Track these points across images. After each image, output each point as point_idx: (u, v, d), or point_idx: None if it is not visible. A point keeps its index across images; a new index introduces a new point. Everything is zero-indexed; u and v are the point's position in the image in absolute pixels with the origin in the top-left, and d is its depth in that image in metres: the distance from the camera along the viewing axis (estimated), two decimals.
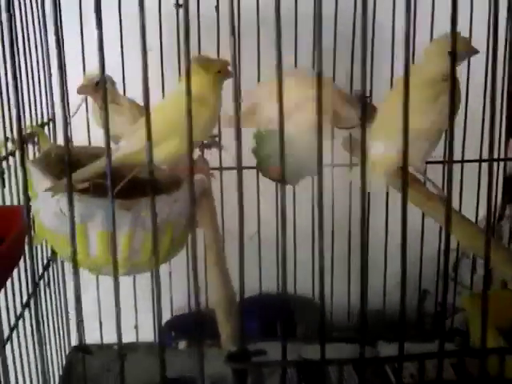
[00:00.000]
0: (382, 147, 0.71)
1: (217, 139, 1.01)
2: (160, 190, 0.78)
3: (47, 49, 0.89)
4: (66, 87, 0.93)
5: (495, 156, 1.13)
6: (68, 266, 1.05)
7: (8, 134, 0.80)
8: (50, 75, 0.93)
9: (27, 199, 0.51)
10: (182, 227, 0.77)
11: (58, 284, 1.04)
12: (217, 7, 1.00)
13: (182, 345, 1.11)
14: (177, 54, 0.95)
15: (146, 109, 0.48)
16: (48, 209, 0.74)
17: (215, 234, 0.74)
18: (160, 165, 0.79)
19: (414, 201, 0.73)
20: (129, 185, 0.79)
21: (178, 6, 0.96)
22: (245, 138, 0.51)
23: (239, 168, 0.48)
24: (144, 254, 0.76)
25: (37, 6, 0.92)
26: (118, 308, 0.51)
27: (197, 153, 0.98)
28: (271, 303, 1.17)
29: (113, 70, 0.89)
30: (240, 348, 0.48)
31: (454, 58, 0.47)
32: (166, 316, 1.15)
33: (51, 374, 1.01)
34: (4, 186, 0.76)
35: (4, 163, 0.79)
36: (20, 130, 0.50)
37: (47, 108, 0.96)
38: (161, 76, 1.00)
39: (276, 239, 0.96)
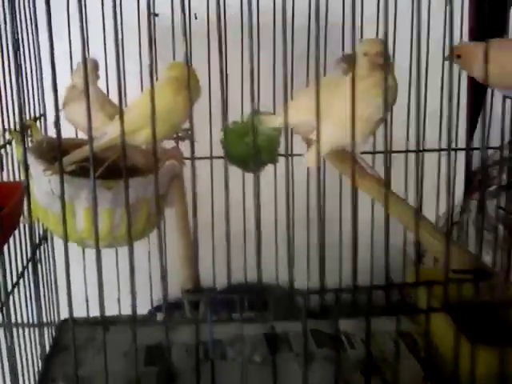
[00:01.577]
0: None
1: (189, 132, 1.14)
2: (138, 173, 0.91)
3: (38, 46, 1.01)
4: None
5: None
6: (57, 245, 1.17)
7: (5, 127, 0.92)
8: (41, 73, 1.05)
9: (27, 174, 0.64)
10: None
11: (49, 262, 1.16)
12: (195, 15, 1.13)
13: (160, 316, 1.23)
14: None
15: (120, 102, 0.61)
16: (41, 188, 0.86)
17: (184, 209, 0.87)
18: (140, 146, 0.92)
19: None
20: (111, 168, 0.92)
21: (154, 15, 1.09)
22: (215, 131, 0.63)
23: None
24: (123, 228, 0.89)
25: (28, 3, 1.01)
26: (101, 280, 0.63)
27: (171, 143, 1.11)
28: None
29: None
30: (194, 286, 0.61)
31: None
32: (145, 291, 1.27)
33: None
34: (2, 169, 0.88)
35: (2, 151, 0.91)
36: (21, 118, 0.62)
37: (39, 104, 1.09)
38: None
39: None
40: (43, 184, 0.84)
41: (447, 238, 0.62)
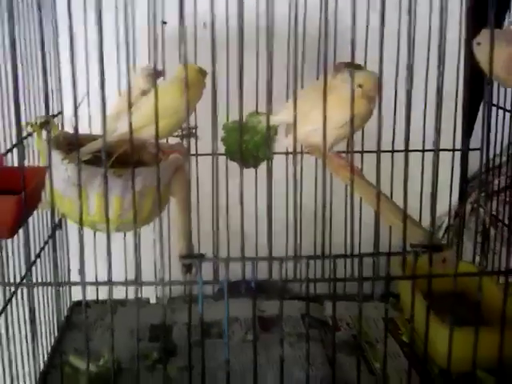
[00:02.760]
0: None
1: (193, 131, 1.24)
2: (145, 165, 1.02)
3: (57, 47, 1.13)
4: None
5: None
6: (70, 232, 1.28)
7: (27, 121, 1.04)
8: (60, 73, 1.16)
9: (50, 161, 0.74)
10: (161, 192, 1.01)
11: (62, 248, 1.27)
12: (204, 24, 1.23)
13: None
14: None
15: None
16: (58, 176, 0.97)
17: (184, 194, 0.98)
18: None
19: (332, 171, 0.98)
20: (121, 160, 1.02)
21: (163, 23, 1.20)
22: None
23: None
24: (131, 213, 0.99)
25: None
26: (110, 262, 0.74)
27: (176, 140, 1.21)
28: None
29: None
30: (188, 252, 0.72)
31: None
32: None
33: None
34: (24, 158, 0.99)
35: (24, 142, 1.02)
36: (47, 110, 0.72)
37: (57, 102, 1.20)
38: None
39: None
40: (60, 171, 0.95)
41: (405, 216, 0.72)
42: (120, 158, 1.03)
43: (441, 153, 0.78)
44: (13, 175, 0.74)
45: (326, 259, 0.73)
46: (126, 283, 0.80)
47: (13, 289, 0.83)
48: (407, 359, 1.13)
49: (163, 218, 0.83)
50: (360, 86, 0.96)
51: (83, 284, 0.77)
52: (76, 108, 0.76)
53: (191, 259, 0.75)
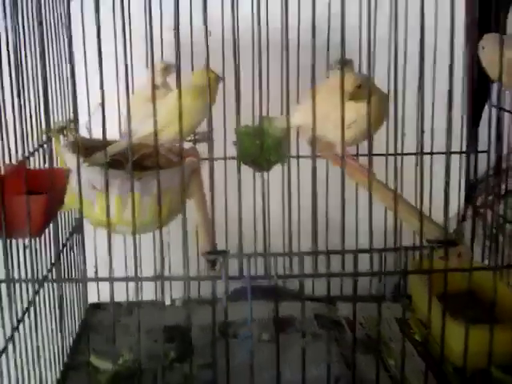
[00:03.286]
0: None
1: (207, 134, 1.27)
2: (160, 168, 1.05)
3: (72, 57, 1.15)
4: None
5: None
6: (87, 233, 1.31)
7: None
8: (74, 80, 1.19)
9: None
10: (178, 195, 1.03)
11: (78, 250, 1.29)
12: (210, 32, 1.26)
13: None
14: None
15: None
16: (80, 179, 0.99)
17: (202, 194, 1.01)
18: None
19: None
20: (139, 164, 1.05)
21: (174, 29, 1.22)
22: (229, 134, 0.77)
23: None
24: (150, 215, 1.01)
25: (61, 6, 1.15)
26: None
27: (189, 144, 1.23)
28: None
29: None
30: (212, 249, 0.74)
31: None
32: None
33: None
34: (45, 161, 1.01)
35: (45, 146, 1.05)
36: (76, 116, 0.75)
37: (73, 109, 1.23)
38: None
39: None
40: (81, 175, 0.97)
41: (421, 214, 0.75)
42: (136, 162, 1.06)
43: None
44: (37, 177, 0.76)
45: (347, 254, 0.75)
46: (154, 278, 0.81)
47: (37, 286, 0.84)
48: (421, 358, 1.14)
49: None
50: (359, 86, 0.98)
51: (111, 280, 0.79)
52: (90, 114, 0.78)
53: (215, 255, 0.77)
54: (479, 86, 1.20)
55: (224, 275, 0.77)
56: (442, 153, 1.22)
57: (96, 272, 1.22)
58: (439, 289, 0.86)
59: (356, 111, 0.91)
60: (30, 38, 0.95)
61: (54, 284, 1.02)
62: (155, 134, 0.78)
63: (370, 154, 0.81)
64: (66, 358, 1.15)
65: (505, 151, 1.21)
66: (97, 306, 1.35)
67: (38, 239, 0.86)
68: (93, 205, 1.01)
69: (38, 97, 1.01)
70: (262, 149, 1.16)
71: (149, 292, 1.36)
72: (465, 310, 0.89)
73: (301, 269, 0.76)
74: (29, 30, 0.95)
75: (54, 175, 0.78)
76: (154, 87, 0.84)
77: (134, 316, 1.29)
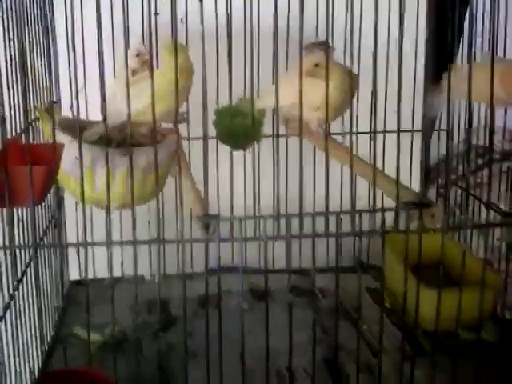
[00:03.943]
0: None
1: (185, 115, 1.31)
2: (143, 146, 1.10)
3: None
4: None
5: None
6: (68, 213, 1.34)
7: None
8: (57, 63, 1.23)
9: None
10: (163, 169, 1.08)
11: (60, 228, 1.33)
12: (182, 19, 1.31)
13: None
14: None
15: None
16: (66, 156, 1.03)
17: (186, 168, 1.07)
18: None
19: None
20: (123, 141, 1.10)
21: (155, 14, 1.26)
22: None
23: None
24: (137, 190, 1.06)
25: None
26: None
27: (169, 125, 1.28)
28: None
29: None
30: (204, 213, 0.80)
31: None
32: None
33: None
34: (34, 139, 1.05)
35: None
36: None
37: (55, 90, 1.26)
38: None
39: None
40: (69, 152, 1.01)
41: (397, 180, 0.81)
42: (120, 141, 1.11)
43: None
44: (33, 151, 0.81)
45: (330, 216, 0.81)
46: (149, 241, 0.86)
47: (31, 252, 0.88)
48: (392, 324, 1.22)
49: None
50: (316, 65, 1.04)
51: (108, 244, 0.84)
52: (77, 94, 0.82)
53: (208, 218, 0.83)
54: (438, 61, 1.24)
55: (217, 237, 0.82)
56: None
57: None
58: (411, 261, 0.93)
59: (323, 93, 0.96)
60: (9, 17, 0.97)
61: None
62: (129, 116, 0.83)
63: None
64: (52, 332, 1.20)
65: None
66: (78, 283, 1.39)
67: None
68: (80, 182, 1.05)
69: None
70: (239, 129, 1.21)
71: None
72: (435, 279, 0.96)
73: (288, 230, 0.82)
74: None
75: (49, 150, 0.83)
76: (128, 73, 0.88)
77: (116, 291, 1.33)
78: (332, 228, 0.85)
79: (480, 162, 1.54)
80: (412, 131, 1.42)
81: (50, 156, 0.85)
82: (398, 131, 0.84)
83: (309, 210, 0.86)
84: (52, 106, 1.17)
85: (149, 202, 1.10)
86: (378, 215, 0.83)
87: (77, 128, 0.87)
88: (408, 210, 0.81)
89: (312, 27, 1.34)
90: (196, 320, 1.21)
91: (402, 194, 0.86)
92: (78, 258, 1.13)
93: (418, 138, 1.43)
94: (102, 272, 1.30)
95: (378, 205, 0.87)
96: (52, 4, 1.22)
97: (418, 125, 1.43)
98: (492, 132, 0.92)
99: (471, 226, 0.92)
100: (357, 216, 0.82)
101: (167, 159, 1.09)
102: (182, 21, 1.32)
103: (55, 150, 0.83)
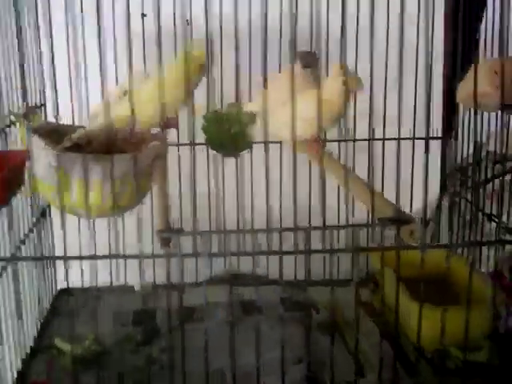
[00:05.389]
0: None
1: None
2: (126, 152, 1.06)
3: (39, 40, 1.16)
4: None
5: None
6: (55, 221, 1.31)
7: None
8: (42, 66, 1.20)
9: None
10: (142, 179, 1.04)
11: (47, 236, 1.30)
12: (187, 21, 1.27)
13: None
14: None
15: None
16: (40, 163, 1.00)
17: (164, 180, 1.02)
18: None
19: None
20: (105, 147, 1.06)
21: (143, 15, 1.23)
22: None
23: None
24: (110, 200, 1.02)
25: None
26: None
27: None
28: None
29: None
30: (166, 227, 0.75)
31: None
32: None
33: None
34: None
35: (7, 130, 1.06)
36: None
37: (40, 94, 1.23)
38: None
39: None
40: (42, 158, 0.98)
41: (372, 190, 0.76)
42: (102, 147, 1.07)
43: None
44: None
45: (299, 231, 0.76)
46: (109, 256, 0.83)
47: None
48: (381, 336, 1.16)
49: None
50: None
51: (65, 259, 0.80)
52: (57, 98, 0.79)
53: (169, 233, 0.79)
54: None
55: (179, 254, 0.78)
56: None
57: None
58: (410, 273, 0.89)
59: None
60: None
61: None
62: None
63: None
64: (32, 342, 1.17)
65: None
66: (65, 292, 1.36)
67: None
68: (55, 189, 1.01)
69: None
70: (229, 135, 1.17)
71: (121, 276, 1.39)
72: (433, 296, 0.91)
73: (256, 246, 0.78)
74: None
75: (10, 156, 0.80)
76: None
77: (102, 301, 1.31)
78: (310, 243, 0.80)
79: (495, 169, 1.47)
80: (427, 138, 1.35)
81: (12, 163, 0.82)
82: (399, 139, 0.79)
83: (278, 225, 0.81)
84: (33, 111, 1.14)
85: (127, 211, 1.06)
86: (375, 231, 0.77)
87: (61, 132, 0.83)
88: (384, 226, 0.75)
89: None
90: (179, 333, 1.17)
91: (383, 209, 0.80)
92: (66, 269, 1.11)
93: (435, 146, 1.38)
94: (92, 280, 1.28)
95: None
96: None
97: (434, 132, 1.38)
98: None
99: (461, 244, 0.86)
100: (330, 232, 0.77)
101: (147, 167, 1.05)
102: (187, 23, 1.28)
103: (15, 157, 0.80)
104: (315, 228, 0.77)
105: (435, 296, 0.97)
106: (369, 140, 1.21)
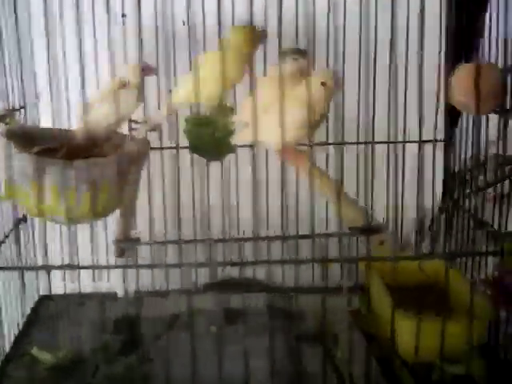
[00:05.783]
0: None
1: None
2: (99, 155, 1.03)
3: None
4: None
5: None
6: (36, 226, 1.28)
7: None
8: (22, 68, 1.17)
9: None
10: (117, 184, 1.01)
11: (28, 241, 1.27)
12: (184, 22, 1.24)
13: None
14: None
15: None
16: (13, 167, 0.97)
17: (135, 188, 0.98)
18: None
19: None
20: (78, 149, 1.04)
21: (123, 16, 1.20)
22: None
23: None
24: (85, 205, 0.99)
25: None
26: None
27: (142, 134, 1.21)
28: None
29: None
30: (123, 237, 0.72)
31: None
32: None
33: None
34: None
35: None
36: None
37: (20, 97, 1.21)
38: None
39: None
40: (17, 162, 0.96)
41: (339, 196, 0.72)
42: (76, 150, 1.04)
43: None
44: None
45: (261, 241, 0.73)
46: (63, 267, 0.80)
47: None
48: (368, 350, 1.13)
49: None
50: (323, 83, 0.96)
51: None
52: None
53: (126, 243, 0.75)
54: None
55: (134, 263, 0.75)
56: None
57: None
58: (403, 279, 0.85)
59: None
60: None
61: None
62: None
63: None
64: (8, 349, 1.14)
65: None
66: (47, 298, 1.33)
67: None
68: (29, 194, 0.99)
69: None
70: (212, 139, 1.14)
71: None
72: (428, 304, 0.88)
73: (214, 256, 0.75)
74: None
75: None
76: None
77: (84, 308, 1.28)
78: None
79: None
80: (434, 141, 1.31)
81: None
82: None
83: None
84: (11, 114, 1.11)
85: (104, 217, 1.03)
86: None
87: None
88: (353, 236, 0.71)
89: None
90: (161, 342, 1.15)
91: (355, 218, 0.76)
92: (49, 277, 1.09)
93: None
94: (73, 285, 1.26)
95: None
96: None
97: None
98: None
99: (441, 255, 0.82)
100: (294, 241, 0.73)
101: (123, 172, 1.02)
102: (183, 23, 1.26)
103: None
104: (276, 238, 0.74)
105: (428, 305, 0.93)
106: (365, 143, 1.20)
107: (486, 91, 0.82)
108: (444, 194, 1.40)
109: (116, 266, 0.78)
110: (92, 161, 0.97)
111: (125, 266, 0.76)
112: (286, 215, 0.78)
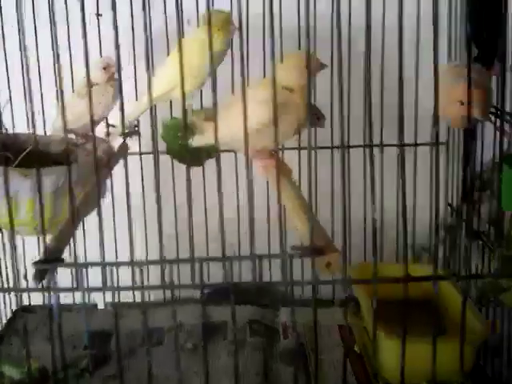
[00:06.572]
0: None
1: (136, 129, 1.20)
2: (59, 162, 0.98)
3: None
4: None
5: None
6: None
7: None
8: None
9: None
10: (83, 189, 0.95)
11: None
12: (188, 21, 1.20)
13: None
14: None
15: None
16: None
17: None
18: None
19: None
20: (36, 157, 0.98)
21: (97, 15, 1.15)
22: None
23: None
24: (47, 216, 0.94)
25: None
26: None
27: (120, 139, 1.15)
28: None
29: None
30: (45, 256, 0.66)
31: None
32: None
33: None
34: None
35: None
36: None
37: None
38: None
39: None
40: None
41: (280, 221, 0.65)
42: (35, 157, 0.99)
43: None
44: None
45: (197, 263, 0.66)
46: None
47: None
48: (352, 370, 1.06)
49: None
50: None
51: None
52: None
53: (45, 264, 0.69)
54: None
55: (52, 287, 0.69)
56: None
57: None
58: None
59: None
60: None
61: None
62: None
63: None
64: None
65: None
66: (25, 310, 1.28)
67: None
68: None
69: None
70: (186, 142, 1.08)
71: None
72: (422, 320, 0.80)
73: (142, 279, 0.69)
74: None
75: None
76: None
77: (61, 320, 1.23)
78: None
79: None
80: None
81: None
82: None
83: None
84: None
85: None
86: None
87: None
88: (291, 257, 0.64)
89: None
90: (132, 357, 1.09)
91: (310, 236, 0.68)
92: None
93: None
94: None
95: None
96: None
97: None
98: None
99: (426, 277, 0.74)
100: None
101: (86, 179, 0.96)
102: (188, 22, 1.21)
103: None
104: (215, 259, 0.67)
105: (423, 322, 0.86)
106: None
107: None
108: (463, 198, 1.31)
109: (37, 290, 0.71)
110: (50, 169, 0.92)
111: (47, 289, 0.70)
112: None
